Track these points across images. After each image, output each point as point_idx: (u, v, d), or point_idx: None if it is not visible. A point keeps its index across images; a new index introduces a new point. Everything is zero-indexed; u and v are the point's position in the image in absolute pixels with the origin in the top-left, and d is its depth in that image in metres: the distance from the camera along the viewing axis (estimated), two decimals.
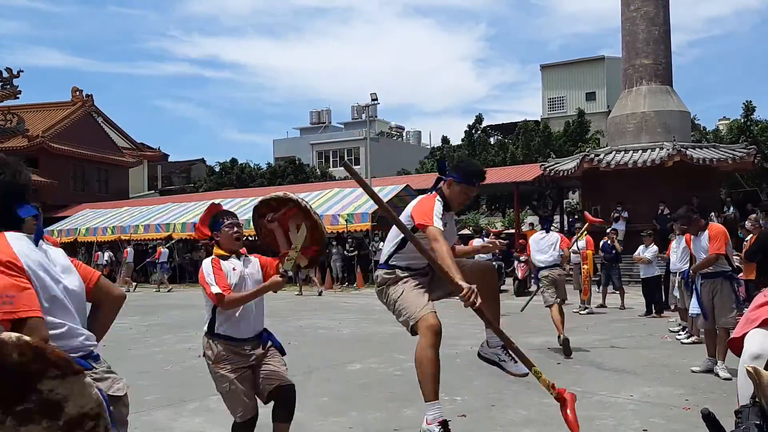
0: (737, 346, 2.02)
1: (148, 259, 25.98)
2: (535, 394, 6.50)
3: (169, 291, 22.45)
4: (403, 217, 4.02)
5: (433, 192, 4.10)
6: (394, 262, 4.15)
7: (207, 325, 4.20)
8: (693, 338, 9.56)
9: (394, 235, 4.15)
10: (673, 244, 10.36)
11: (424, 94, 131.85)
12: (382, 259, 4.27)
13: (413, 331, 3.93)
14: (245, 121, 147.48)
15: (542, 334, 10.29)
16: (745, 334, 2.02)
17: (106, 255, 26.25)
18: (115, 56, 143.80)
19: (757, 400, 1.88)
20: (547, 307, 9.06)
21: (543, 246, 9.34)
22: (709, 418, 2.01)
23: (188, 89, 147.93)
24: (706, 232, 7.42)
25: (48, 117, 38.87)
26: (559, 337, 8.67)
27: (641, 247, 13.04)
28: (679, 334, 9.90)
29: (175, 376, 7.86)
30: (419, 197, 4.13)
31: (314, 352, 9.22)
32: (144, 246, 28.62)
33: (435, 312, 3.87)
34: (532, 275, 18.08)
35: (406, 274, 4.09)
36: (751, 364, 1.90)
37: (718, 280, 7.35)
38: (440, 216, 3.85)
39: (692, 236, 7.76)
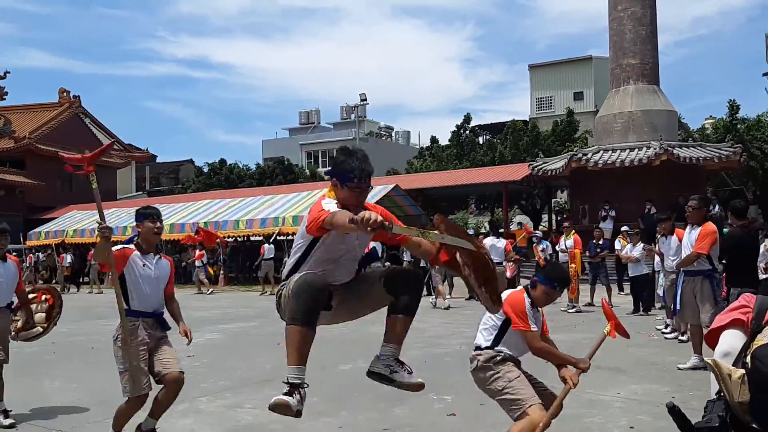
0: (712, 340, 2.09)
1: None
2: None
3: None
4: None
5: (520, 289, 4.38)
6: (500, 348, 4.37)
7: None
8: (675, 333, 9.69)
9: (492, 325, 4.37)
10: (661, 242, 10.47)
11: (413, 95, 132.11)
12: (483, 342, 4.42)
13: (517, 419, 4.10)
14: (234, 121, 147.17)
15: None
16: (717, 330, 2.08)
17: (69, 257, 25.98)
18: (102, 57, 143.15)
19: (722, 394, 1.94)
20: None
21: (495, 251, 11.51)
22: (674, 411, 2.08)
23: (176, 90, 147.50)
24: (699, 229, 7.44)
25: (35, 118, 38.63)
26: None
27: (629, 246, 13.14)
28: (665, 331, 10.00)
29: None
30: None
31: None
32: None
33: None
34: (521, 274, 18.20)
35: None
36: (720, 360, 1.96)
37: (698, 278, 7.46)
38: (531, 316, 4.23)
39: (686, 230, 7.77)
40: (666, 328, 10.28)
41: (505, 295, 4.12)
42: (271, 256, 21.01)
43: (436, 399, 6.43)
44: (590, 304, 14.12)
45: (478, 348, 4.54)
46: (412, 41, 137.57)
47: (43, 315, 6.31)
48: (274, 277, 20.57)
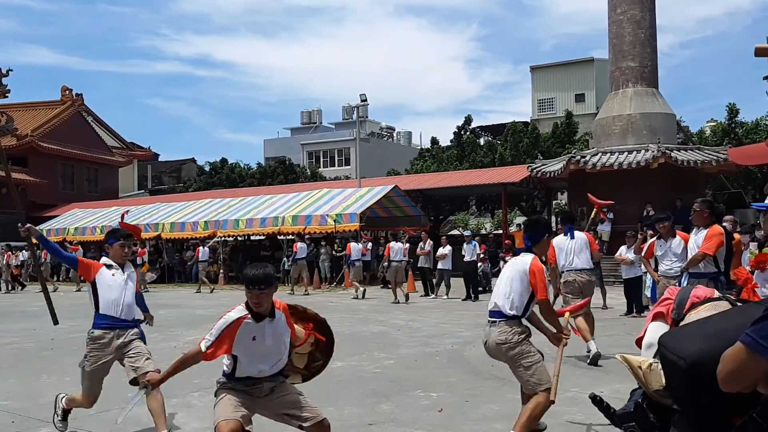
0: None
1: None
2: (508, 391, 6.69)
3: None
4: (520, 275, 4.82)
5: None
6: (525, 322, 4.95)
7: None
8: None
9: (525, 288, 4.85)
10: (627, 248, 10.65)
11: (416, 95, 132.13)
12: (514, 309, 4.86)
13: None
14: (236, 120, 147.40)
15: None
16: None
17: (21, 255, 26.04)
18: (105, 54, 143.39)
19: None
20: None
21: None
22: (596, 400, 2.25)
23: (179, 88, 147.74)
24: (706, 230, 7.43)
25: (37, 116, 38.86)
26: None
27: (623, 248, 13.26)
28: None
29: None
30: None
31: None
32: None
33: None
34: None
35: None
36: (644, 353, 2.10)
37: (703, 281, 7.40)
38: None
39: (692, 233, 7.75)
40: None
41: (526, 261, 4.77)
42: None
43: (423, 395, 6.58)
44: None
45: (503, 315, 4.90)
46: (416, 40, 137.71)
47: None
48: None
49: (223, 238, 25.89)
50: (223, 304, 17.00)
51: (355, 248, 20.02)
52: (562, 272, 8.56)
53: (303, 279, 20.35)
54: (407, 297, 16.64)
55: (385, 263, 18.35)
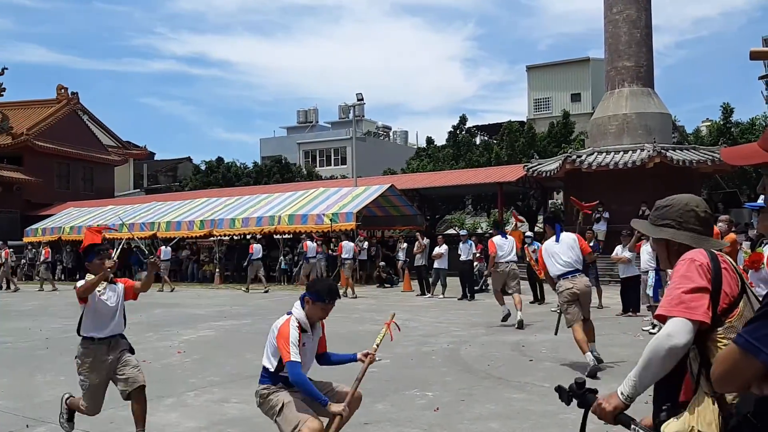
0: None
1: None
2: (504, 390, 6.70)
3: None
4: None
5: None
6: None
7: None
8: (653, 327, 9.95)
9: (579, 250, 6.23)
10: (644, 243, 10.69)
11: (413, 94, 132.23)
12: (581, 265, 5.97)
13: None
14: (233, 119, 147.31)
15: (518, 333, 10.48)
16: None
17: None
18: (101, 53, 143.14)
19: None
20: None
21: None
22: (558, 389, 2.26)
23: (175, 87, 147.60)
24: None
25: (33, 115, 38.76)
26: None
27: (619, 247, 13.26)
28: (653, 332, 10.16)
29: (153, 373, 7.95)
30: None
31: None
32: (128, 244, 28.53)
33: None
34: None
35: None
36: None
37: None
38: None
39: None
40: (654, 328, 10.45)
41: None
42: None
43: (418, 395, 6.58)
44: None
45: (578, 270, 7.92)
46: (413, 40, 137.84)
47: None
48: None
49: (218, 238, 25.86)
50: (217, 304, 16.99)
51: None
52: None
53: (260, 278, 20.82)
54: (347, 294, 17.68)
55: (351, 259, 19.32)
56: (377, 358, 5.00)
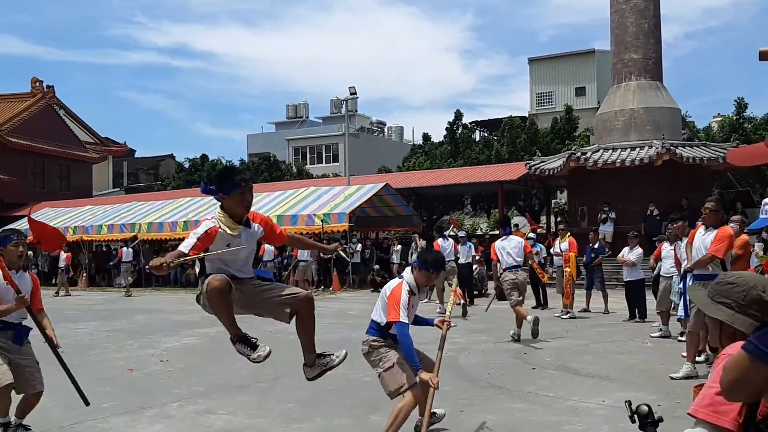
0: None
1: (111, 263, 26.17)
2: (505, 400, 6.72)
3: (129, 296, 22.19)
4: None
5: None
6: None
7: None
8: (660, 332, 9.98)
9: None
10: (666, 246, 10.66)
11: (408, 87, 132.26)
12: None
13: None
14: (217, 114, 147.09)
15: (520, 340, 10.49)
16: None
17: None
18: (77, 44, 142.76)
19: None
20: None
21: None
22: (628, 405, 2.25)
23: (156, 80, 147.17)
24: (716, 231, 7.49)
25: (5, 109, 38.60)
26: None
27: (626, 249, 13.31)
28: (654, 336, 10.24)
29: (134, 383, 7.97)
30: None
31: (283, 359, 9.29)
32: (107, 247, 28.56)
33: None
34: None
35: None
36: None
37: (710, 282, 7.46)
38: None
39: (699, 232, 7.80)
40: (659, 333, 10.53)
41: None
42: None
43: None
44: (586, 310, 14.29)
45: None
46: (408, 30, 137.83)
47: None
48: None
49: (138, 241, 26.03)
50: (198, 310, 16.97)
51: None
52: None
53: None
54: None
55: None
56: (452, 324, 6.02)
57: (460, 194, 34.06)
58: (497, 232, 28.67)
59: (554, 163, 23.44)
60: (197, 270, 4.47)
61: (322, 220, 22.49)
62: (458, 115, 41.12)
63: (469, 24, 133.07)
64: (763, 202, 4.82)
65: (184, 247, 4.01)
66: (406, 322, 4.91)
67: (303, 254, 21.05)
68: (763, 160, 2.00)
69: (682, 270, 10.08)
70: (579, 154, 21.93)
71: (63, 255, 23.65)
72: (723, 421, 2.06)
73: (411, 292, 5.02)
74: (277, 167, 45.04)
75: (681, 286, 10.25)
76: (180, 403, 6.84)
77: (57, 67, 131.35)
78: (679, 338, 10.02)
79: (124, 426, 6.04)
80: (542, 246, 16.61)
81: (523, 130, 35.42)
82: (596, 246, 14.89)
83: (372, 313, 5.22)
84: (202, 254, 4.14)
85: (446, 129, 40.48)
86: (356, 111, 55.68)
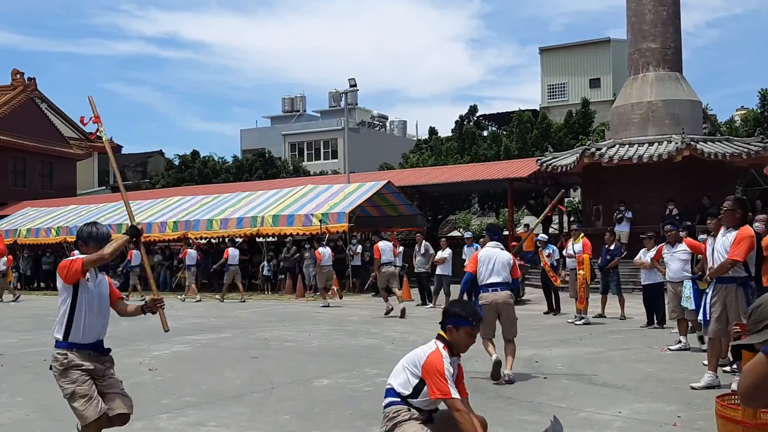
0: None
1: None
2: (515, 412, 6.72)
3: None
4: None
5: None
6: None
7: None
8: (679, 345, 9.95)
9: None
10: (668, 249, 10.74)
11: (411, 79, 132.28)
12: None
13: None
14: (209, 108, 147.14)
15: (531, 347, 10.50)
16: None
17: None
18: (59, 33, 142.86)
19: None
20: None
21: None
22: None
23: (143, 71, 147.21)
24: (735, 232, 7.45)
25: None
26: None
27: (642, 251, 13.28)
28: (672, 348, 10.22)
29: None
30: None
31: (278, 367, 9.37)
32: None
33: None
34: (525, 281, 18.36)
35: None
36: None
37: (732, 286, 7.47)
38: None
39: (719, 234, 7.74)
40: (677, 344, 10.51)
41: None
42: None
43: None
44: (601, 316, 14.29)
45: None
46: (411, 18, 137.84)
47: None
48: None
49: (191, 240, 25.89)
50: (193, 315, 16.98)
51: (191, 254, 21.68)
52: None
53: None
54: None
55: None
56: None
57: (467, 192, 34.07)
58: (506, 232, 28.75)
59: (567, 159, 23.43)
60: None
61: (320, 220, 22.50)
62: (473, 110, 41.08)
63: (477, 11, 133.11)
64: None
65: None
66: (458, 397, 4.26)
67: (191, 258, 21.88)
68: None
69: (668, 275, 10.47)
70: (593, 149, 21.90)
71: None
72: None
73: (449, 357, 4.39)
74: (272, 164, 45.07)
75: (688, 290, 10.30)
76: (169, 415, 6.85)
77: (37, 57, 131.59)
78: (701, 347, 10.02)
79: None
80: (555, 247, 16.57)
81: (534, 124, 35.40)
82: (612, 247, 14.87)
83: (391, 378, 4.61)
84: None
85: (455, 123, 40.42)
86: (356, 104, 55.72)
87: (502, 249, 8.70)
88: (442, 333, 4.49)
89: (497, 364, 7.96)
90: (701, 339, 9.90)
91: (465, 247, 17.55)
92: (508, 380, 7.91)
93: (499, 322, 8.34)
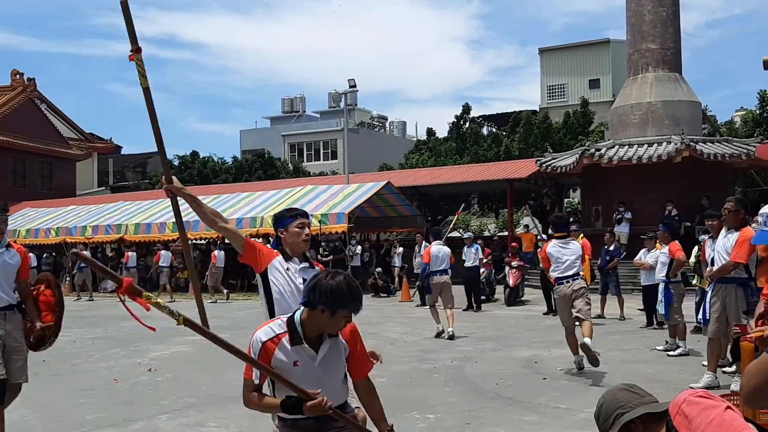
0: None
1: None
2: (513, 412, 6.72)
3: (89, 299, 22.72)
4: None
5: None
6: None
7: None
8: (679, 351, 9.93)
9: None
10: (662, 249, 10.77)
11: (411, 80, 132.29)
12: None
13: None
14: (208, 108, 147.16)
15: (530, 348, 10.51)
16: None
17: None
18: (59, 34, 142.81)
19: None
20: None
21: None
22: None
23: None
24: (737, 234, 7.44)
25: None
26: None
27: (642, 251, 13.27)
28: (659, 349, 10.22)
29: (121, 394, 7.98)
30: None
31: None
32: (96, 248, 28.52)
33: None
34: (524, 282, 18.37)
35: None
36: None
37: (731, 286, 7.49)
38: None
39: (719, 235, 7.74)
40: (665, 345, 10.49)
41: None
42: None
43: (419, 418, 6.59)
44: (600, 316, 14.27)
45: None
46: (411, 19, 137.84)
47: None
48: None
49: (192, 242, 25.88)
50: (193, 315, 16.98)
51: (164, 255, 22.63)
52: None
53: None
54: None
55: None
56: None
57: (466, 193, 34.05)
58: (505, 233, 28.74)
59: (566, 160, 23.44)
60: None
61: (319, 221, 22.49)
62: (466, 109, 41.05)
63: (476, 12, 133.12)
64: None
65: None
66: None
67: (165, 260, 22.69)
68: None
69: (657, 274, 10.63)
70: (593, 150, 21.90)
71: None
72: None
73: None
74: (271, 164, 45.07)
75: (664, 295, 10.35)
76: (169, 415, 6.85)
77: (38, 58, 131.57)
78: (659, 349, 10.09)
79: None
80: None
81: (534, 125, 35.42)
82: (611, 248, 14.88)
83: None
84: None
85: (452, 123, 40.47)
86: (356, 105, 55.68)
87: (444, 246, 13.04)
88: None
89: (440, 333, 11.90)
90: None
91: (465, 248, 17.52)
92: (449, 337, 11.65)
93: (441, 297, 12.46)
